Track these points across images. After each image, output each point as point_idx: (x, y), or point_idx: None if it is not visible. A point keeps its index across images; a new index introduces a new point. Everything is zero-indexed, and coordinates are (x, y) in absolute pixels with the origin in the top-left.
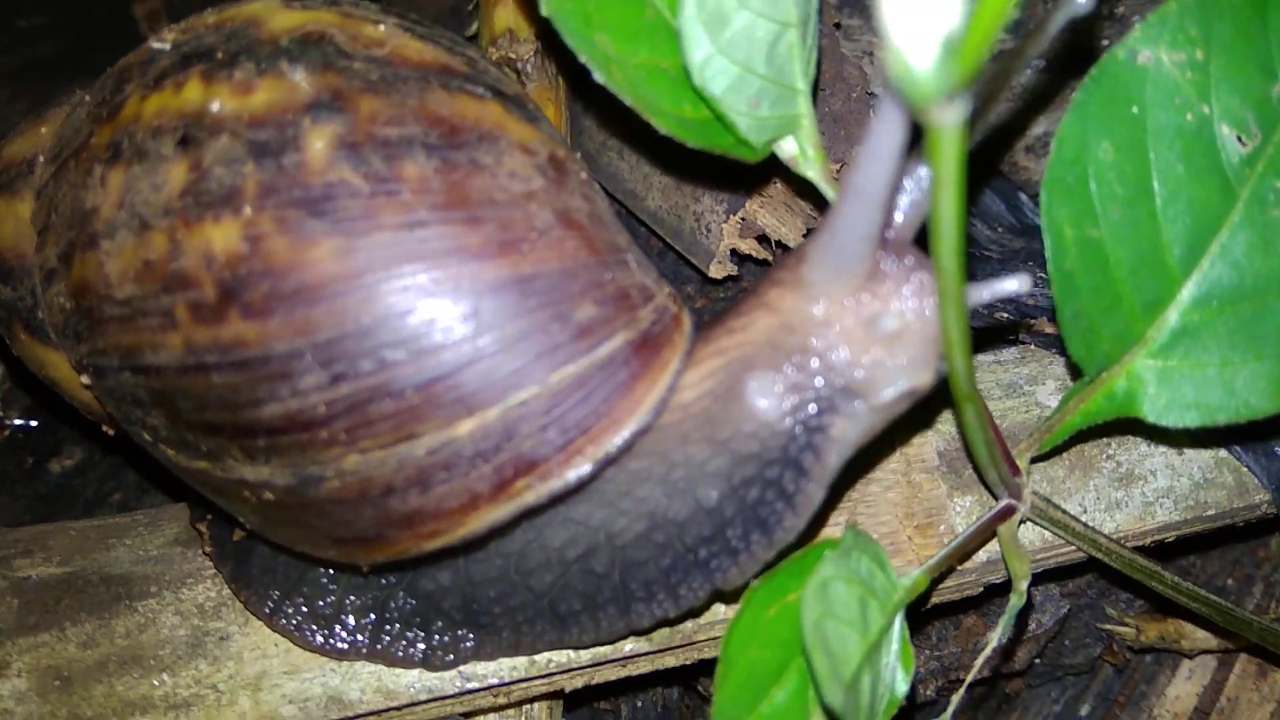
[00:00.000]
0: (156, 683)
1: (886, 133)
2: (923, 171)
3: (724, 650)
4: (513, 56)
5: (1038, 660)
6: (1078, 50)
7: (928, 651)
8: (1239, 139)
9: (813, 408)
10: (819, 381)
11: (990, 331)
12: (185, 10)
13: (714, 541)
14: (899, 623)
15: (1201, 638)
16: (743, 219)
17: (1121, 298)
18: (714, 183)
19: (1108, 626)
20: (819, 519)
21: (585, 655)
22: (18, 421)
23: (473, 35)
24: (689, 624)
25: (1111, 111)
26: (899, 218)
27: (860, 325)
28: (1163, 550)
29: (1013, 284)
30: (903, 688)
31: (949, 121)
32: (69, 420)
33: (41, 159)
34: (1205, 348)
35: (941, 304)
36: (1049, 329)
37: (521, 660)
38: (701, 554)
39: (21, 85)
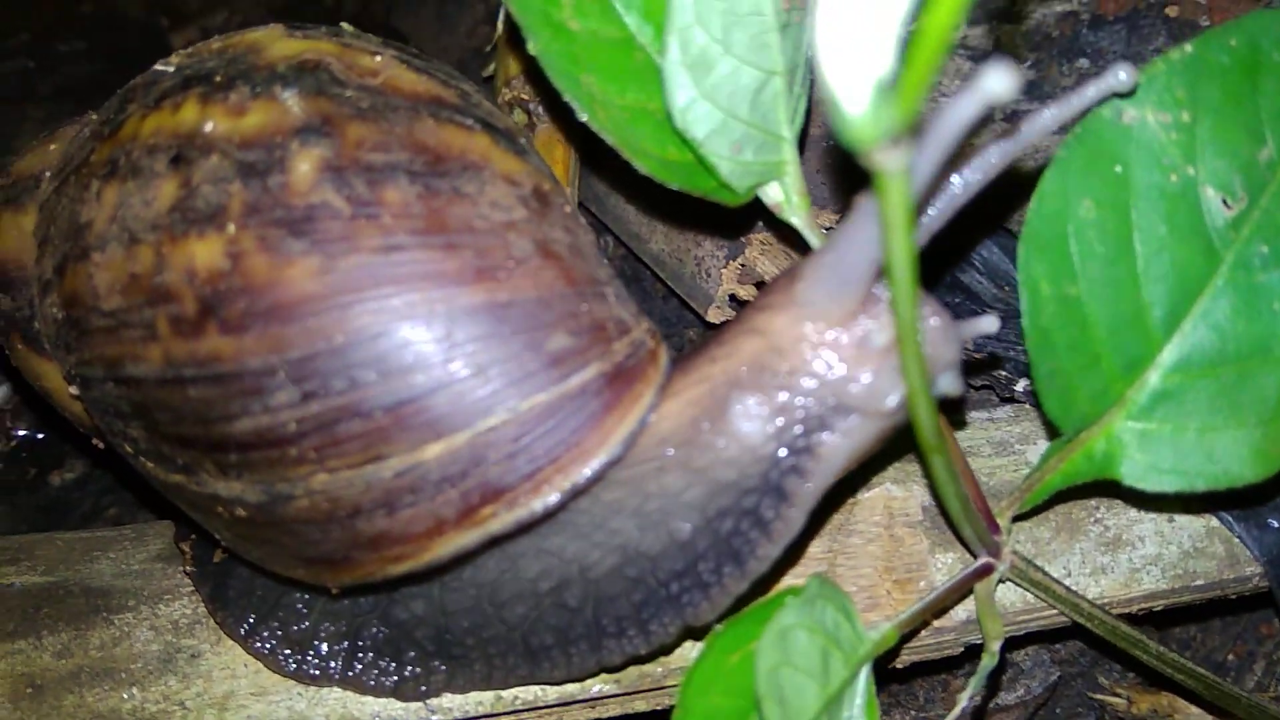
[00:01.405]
0: (126, 696)
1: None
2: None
3: (682, 695)
4: (525, 98)
5: None
6: None
7: (914, 712)
8: (1224, 202)
9: (799, 429)
10: (809, 402)
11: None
12: None
13: (686, 576)
14: (864, 677)
15: (1196, 714)
16: (742, 265)
17: (1100, 357)
18: (713, 228)
19: (1099, 696)
20: (797, 551)
21: (553, 694)
22: (23, 433)
23: (490, 77)
24: (659, 668)
25: (1094, 169)
26: None
27: (854, 344)
28: (1161, 621)
29: (987, 324)
30: None
31: (891, 167)
32: (74, 435)
33: (48, 174)
34: (1185, 412)
35: (901, 350)
36: None
37: (488, 696)
38: (673, 589)
39: (57, 107)
